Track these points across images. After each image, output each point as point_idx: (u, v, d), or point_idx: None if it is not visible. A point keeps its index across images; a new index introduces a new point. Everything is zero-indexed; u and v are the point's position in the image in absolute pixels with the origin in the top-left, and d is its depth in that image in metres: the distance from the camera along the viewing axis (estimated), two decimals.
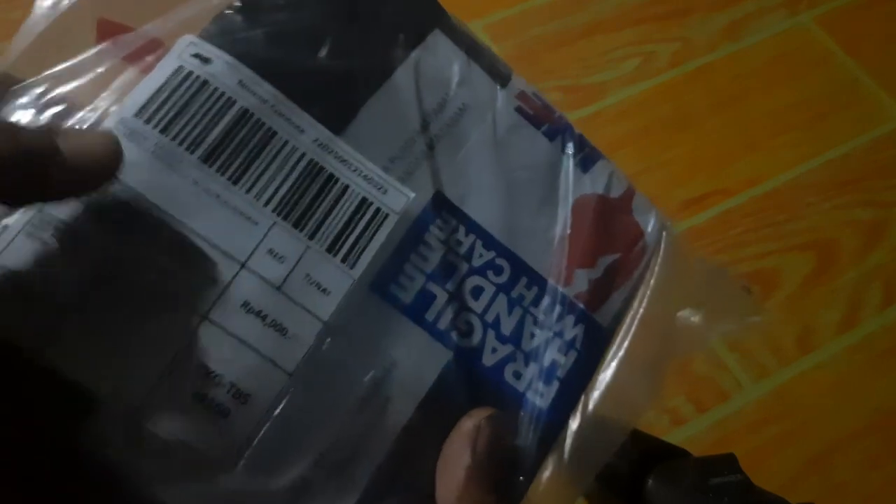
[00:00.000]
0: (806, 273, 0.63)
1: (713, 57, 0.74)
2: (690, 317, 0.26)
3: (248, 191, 0.21)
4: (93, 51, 0.22)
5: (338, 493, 0.21)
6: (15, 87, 0.22)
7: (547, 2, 0.77)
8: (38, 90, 0.22)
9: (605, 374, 0.25)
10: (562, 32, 0.75)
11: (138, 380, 0.19)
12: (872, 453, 0.55)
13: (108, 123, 0.21)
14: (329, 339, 0.21)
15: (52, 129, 0.20)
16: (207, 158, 0.21)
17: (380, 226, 0.22)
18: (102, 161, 0.19)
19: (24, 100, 0.22)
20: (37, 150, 0.18)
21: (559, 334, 0.25)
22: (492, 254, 0.24)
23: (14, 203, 0.19)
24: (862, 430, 0.56)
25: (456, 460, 0.22)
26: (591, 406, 0.25)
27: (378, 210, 0.23)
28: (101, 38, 0.23)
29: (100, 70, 0.22)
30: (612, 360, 0.25)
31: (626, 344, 0.26)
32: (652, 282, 0.27)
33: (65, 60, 0.22)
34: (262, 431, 0.20)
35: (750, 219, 0.65)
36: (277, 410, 0.20)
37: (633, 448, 0.45)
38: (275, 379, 0.20)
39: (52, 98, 0.22)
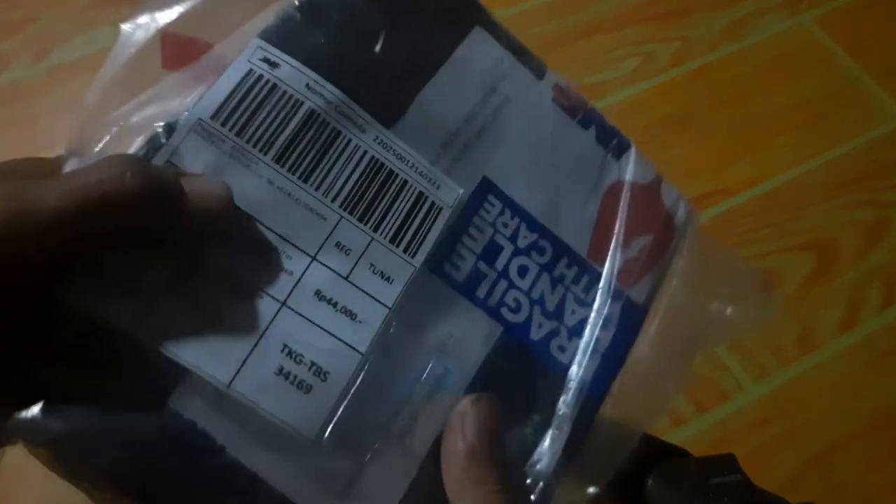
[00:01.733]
0: (806, 273, 0.63)
1: (713, 57, 0.74)
2: (718, 306, 0.28)
3: (317, 188, 0.23)
4: (173, 76, 0.23)
5: (401, 461, 0.22)
6: (109, 114, 0.22)
7: (547, 2, 0.77)
8: (133, 117, 0.22)
9: (638, 357, 0.27)
10: (562, 32, 0.75)
11: (226, 357, 0.20)
12: (873, 453, 0.55)
13: (187, 123, 0.22)
14: (395, 322, 0.23)
15: (177, 170, 0.21)
16: (279, 159, 0.22)
17: (436, 218, 0.24)
18: (218, 207, 0.21)
19: (117, 128, 0.22)
20: (167, 186, 0.19)
21: (599, 311, 0.26)
22: (535, 235, 0.26)
23: (143, 238, 0.20)
24: (862, 429, 0.56)
25: (451, 450, 0.22)
26: (622, 390, 0.26)
27: (433, 204, 0.24)
28: (165, 51, 0.23)
29: (178, 90, 0.23)
30: (645, 343, 0.27)
31: (657, 327, 0.27)
32: (681, 264, 0.29)
33: (145, 87, 0.23)
34: (344, 405, 0.22)
35: (750, 219, 0.65)
36: (355, 387, 0.22)
37: (632, 448, 0.45)
38: (350, 359, 0.22)
39: (143, 123, 0.22)
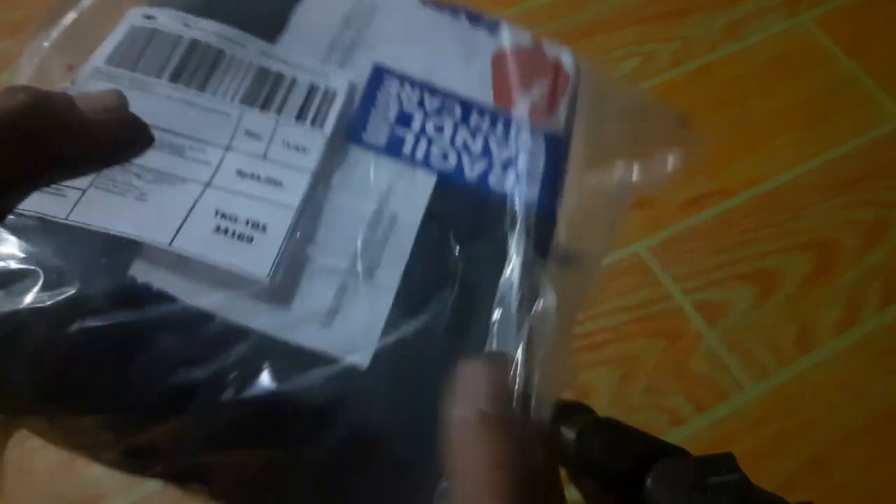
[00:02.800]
0: (805, 273, 0.63)
1: (713, 57, 0.74)
2: (631, 146, 0.30)
3: (215, 94, 0.26)
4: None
5: (374, 296, 0.24)
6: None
7: (547, 2, 0.77)
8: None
9: (567, 204, 0.28)
10: (562, 32, 0.75)
11: (163, 225, 0.23)
12: (871, 453, 0.55)
13: (85, 74, 0.25)
14: (322, 184, 0.26)
15: (62, 90, 0.24)
16: (174, 77, 0.26)
17: (332, 100, 0.27)
18: (114, 103, 0.24)
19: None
20: (58, 96, 0.22)
21: (524, 146, 0.29)
22: (439, 98, 0.29)
23: (39, 155, 0.22)
24: (861, 429, 0.56)
25: (459, 417, 0.21)
26: (560, 242, 0.28)
27: (326, 89, 0.27)
28: None
29: None
30: (574, 180, 0.29)
31: (581, 164, 0.29)
32: (585, 104, 0.31)
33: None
34: (288, 247, 0.24)
35: (750, 219, 0.65)
36: (298, 234, 0.24)
37: (632, 448, 0.45)
38: (285, 212, 0.24)
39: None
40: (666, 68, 0.73)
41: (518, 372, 0.23)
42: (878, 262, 0.63)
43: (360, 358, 0.24)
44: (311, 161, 0.26)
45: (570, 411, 0.51)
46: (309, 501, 0.25)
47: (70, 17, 0.27)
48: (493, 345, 0.25)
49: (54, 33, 0.27)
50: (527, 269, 0.26)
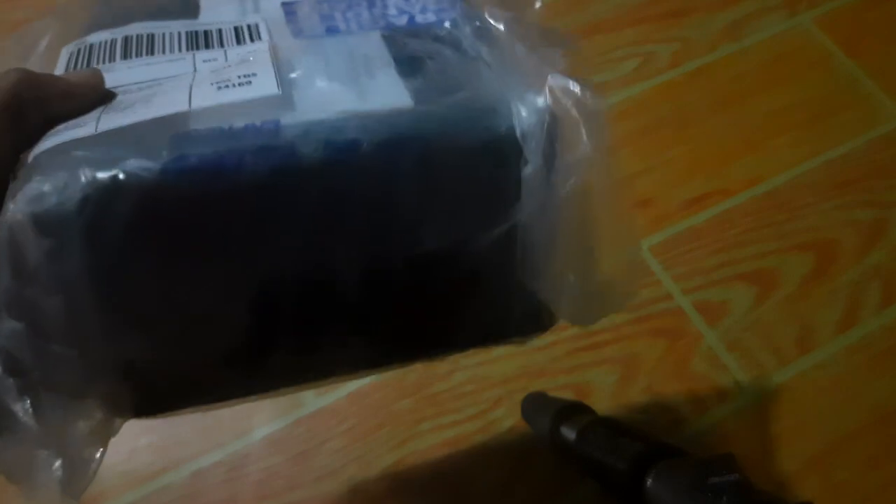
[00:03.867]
0: (805, 273, 0.63)
1: (713, 57, 0.74)
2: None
3: (163, 52, 0.30)
4: None
5: (385, 80, 0.28)
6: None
7: (546, 2, 0.77)
8: None
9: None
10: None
11: (178, 101, 0.26)
12: (872, 453, 0.55)
13: None
14: (286, 60, 0.28)
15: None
16: (125, 56, 0.30)
17: (258, 26, 0.31)
18: (92, 76, 0.28)
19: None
20: (44, 75, 0.27)
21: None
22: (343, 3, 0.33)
23: (36, 118, 0.26)
24: (861, 429, 0.56)
25: None
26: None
27: (249, 25, 0.31)
28: None
29: None
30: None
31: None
32: None
33: None
34: (282, 70, 0.28)
35: (750, 219, 0.65)
36: (280, 63, 0.28)
37: (632, 448, 0.45)
38: (263, 58, 0.29)
39: None
40: (665, 69, 0.73)
41: None
42: (878, 262, 0.63)
43: (403, 100, 0.26)
44: (265, 46, 0.29)
45: (570, 411, 0.52)
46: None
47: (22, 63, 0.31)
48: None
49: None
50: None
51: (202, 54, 0.30)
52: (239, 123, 0.24)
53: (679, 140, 0.69)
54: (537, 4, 0.34)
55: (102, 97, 0.27)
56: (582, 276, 0.28)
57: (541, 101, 0.26)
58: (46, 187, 0.22)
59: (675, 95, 0.72)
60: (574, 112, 0.26)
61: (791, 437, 0.56)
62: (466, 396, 0.57)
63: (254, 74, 0.27)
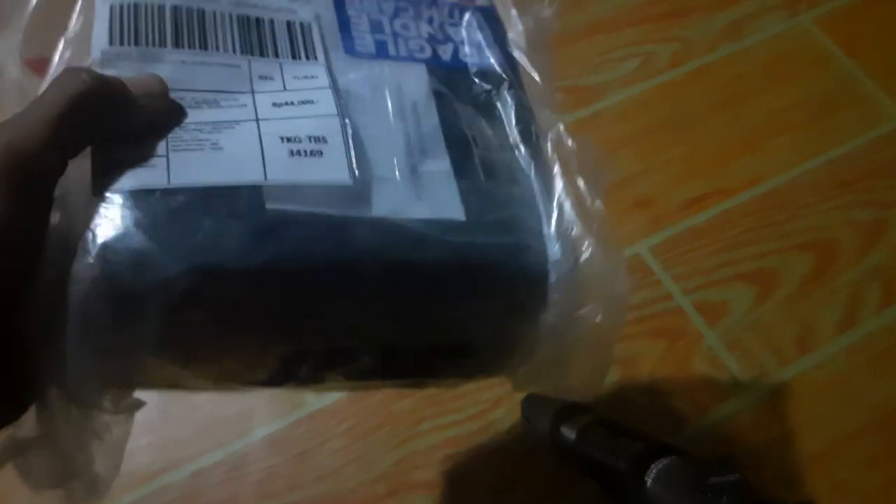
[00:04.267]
0: (805, 273, 0.63)
1: (713, 57, 0.74)
2: None
3: (217, 49, 0.29)
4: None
5: (436, 166, 0.30)
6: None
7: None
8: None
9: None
10: (561, 33, 0.75)
11: (247, 166, 0.26)
12: (872, 453, 0.55)
13: (95, 60, 0.27)
14: (341, 92, 0.30)
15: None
16: (176, 44, 0.28)
17: (311, 31, 0.31)
18: (157, 86, 0.26)
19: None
20: (113, 79, 0.24)
21: (468, 24, 0.35)
22: (391, 3, 0.34)
23: (93, 129, 0.24)
24: (861, 429, 0.56)
25: None
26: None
27: (301, 24, 0.31)
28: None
29: None
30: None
31: None
32: None
33: None
34: (350, 148, 0.28)
35: (750, 219, 0.65)
36: (350, 134, 0.28)
37: (632, 448, 0.45)
38: (332, 120, 0.28)
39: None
40: (665, 69, 0.73)
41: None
42: (878, 262, 0.63)
43: (456, 213, 0.29)
44: (324, 80, 0.30)
45: (570, 411, 0.52)
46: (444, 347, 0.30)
47: (20, 14, 0.29)
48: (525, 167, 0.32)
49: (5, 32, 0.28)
50: (525, 111, 0.34)
51: (258, 65, 0.29)
52: (318, 222, 0.26)
53: (679, 140, 0.69)
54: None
55: (166, 110, 0.26)
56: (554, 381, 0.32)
57: (572, 255, 0.30)
58: (126, 258, 0.23)
59: (675, 95, 0.72)
60: (598, 268, 0.30)
61: (791, 436, 0.56)
62: (466, 396, 0.57)
63: (324, 141, 0.27)
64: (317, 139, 0.27)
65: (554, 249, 0.29)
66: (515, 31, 0.36)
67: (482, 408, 0.57)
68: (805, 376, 0.58)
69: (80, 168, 0.24)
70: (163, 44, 0.28)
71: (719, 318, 0.61)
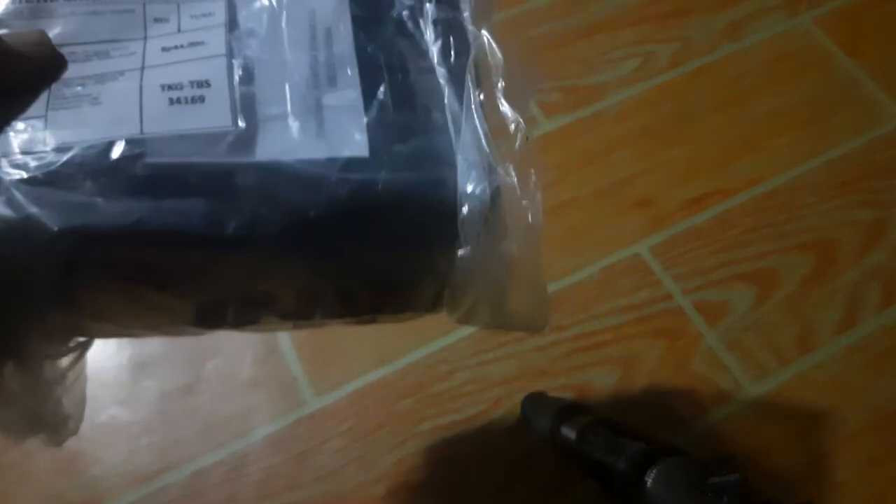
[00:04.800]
0: (805, 273, 0.63)
1: (713, 57, 0.74)
2: None
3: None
4: None
5: (345, 97, 0.28)
6: None
7: (546, 2, 0.77)
8: None
9: None
10: (561, 33, 0.75)
11: (125, 119, 0.25)
12: (872, 453, 0.55)
13: None
14: (240, 27, 0.28)
15: None
16: None
17: None
18: (39, 38, 0.26)
19: None
20: None
21: None
22: None
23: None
24: (861, 429, 0.56)
25: None
26: None
27: None
28: None
29: None
30: None
31: None
32: None
33: None
34: (238, 91, 0.26)
35: (749, 219, 0.65)
36: (238, 73, 0.27)
37: (632, 448, 0.46)
38: (217, 62, 0.27)
39: None
40: (665, 69, 0.73)
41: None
42: (877, 263, 0.63)
43: (360, 149, 0.27)
44: (220, 17, 0.28)
45: (570, 411, 0.52)
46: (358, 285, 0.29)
47: None
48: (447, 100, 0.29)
49: None
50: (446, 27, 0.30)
51: (153, 7, 0.28)
52: (198, 171, 0.25)
53: (679, 140, 0.69)
54: None
55: (47, 63, 0.26)
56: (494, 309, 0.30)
57: (486, 192, 0.28)
58: (6, 224, 0.23)
59: (675, 95, 0.72)
60: (515, 199, 0.28)
61: (791, 436, 0.56)
62: (466, 396, 0.57)
63: (206, 85, 0.26)
64: (199, 83, 0.26)
65: (466, 181, 0.27)
66: None
67: (482, 408, 0.57)
68: (805, 376, 0.58)
69: None
70: None
71: (719, 318, 0.61)
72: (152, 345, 0.59)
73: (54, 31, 0.26)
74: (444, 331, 0.59)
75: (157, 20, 0.28)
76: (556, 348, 0.59)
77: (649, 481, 0.43)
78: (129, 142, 0.25)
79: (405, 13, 0.31)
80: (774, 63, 0.73)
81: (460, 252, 0.27)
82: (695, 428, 0.56)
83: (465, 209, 0.27)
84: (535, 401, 0.55)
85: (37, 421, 0.26)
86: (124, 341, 0.59)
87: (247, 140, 0.26)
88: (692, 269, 0.63)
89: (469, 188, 0.27)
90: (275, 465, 0.55)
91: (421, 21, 0.31)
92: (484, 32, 0.30)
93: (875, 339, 0.60)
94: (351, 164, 0.26)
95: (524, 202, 0.28)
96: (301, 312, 0.29)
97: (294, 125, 0.27)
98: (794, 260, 0.63)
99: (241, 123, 0.26)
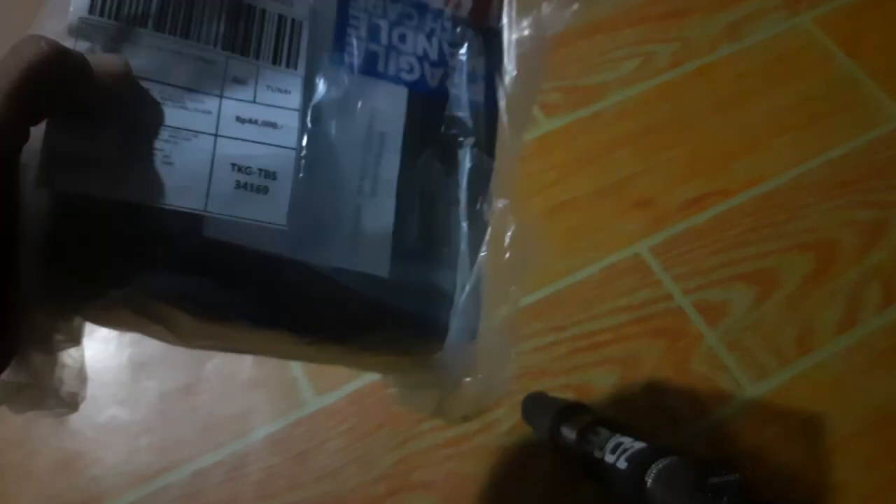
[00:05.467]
0: (805, 273, 0.63)
1: (713, 57, 0.74)
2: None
3: (199, 40, 0.27)
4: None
5: (379, 210, 0.29)
6: None
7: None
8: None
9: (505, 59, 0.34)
10: (561, 33, 0.75)
11: (194, 190, 0.26)
12: (872, 453, 0.55)
13: (71, 26, 0.25)
14: (310, 117, 0.29)
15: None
16: (157, 26, 0.26)
17: (301, 31, 0.29)
18: (120, 68, 0.25)
19: None
20: (74, 53, 0.23)
21: (469, 47, 0.33)
22: (399, 6, 0.32)
23: (51, 100, 0.23)
24: (861, 429, 0.56)
25: None
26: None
27: (293, 20, 0.29)
28: None
29: None
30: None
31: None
32: None
33: None
34: (300, 191, 0.27)
35: (749, 219, 0.65)
36: (301, 174, 0.28)
37: (633, 447, 0.46)
38: (287, 156, 0.28)
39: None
40: (665, 69, 0.73)
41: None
42: (878, 262, 0.63)
43: (382, 270, 0.29)
44: (296, 100, 0.28)
45: (570, 411, 0.52)
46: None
47: None
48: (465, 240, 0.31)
49: None
50: (485, 167, 0.32)
51: (235, 64, 0.28)
52: (249, 258, 0.27)
53: (679, 140, 0.69)
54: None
55: (125, 93, 0.26)
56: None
57: (471, 330, 0.31)
58: (64, 264, 0.24)
59: (675, 95, 0.72)
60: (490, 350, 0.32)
61: (791, 436, 0.56)
62: None
63: (273, 177, 0.27)
64: (267, 173, 0.27)
65: (457, 322, 0.30)
66: (508, 56, 0.34)
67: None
68: (805, 376, 0.58)
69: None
70: (144, 23, 0.26)
71: (719, 318, 0.61)
72: (152, 345, 0.58)
73: (135, 61, 0.26)
74: None
75: (235, 80, 0.28)
76: (556, 348, 0.59)
77: (649, 481, 0.43)
78: (190, 216, 0.26)
79: (450, 141, 0.32)
80: (774, 63, 0.73)
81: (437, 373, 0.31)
82: (695, 428, 0.56)
83: (449, 343, 0.30)
84: (535, 401, 0.55)
85: (39, 397, 0.28)
86: (125, 341, 0.59)
87: (295, 239, 0.27)
88: (692, 269, 0.63)
89: (457, 328, 0.30)
90: (275, 465, 0.55)
91: (460, 155, 0.32)
92: (507, 200, 0.32)
93: (875, 339, 0.60)
94: (371, 281, 0.29)
95: (500, 359, 0.32)
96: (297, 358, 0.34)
97: (335, 232, 0.29)
98: (794, 260, 0.63)
99: (294, 223, 0.27)
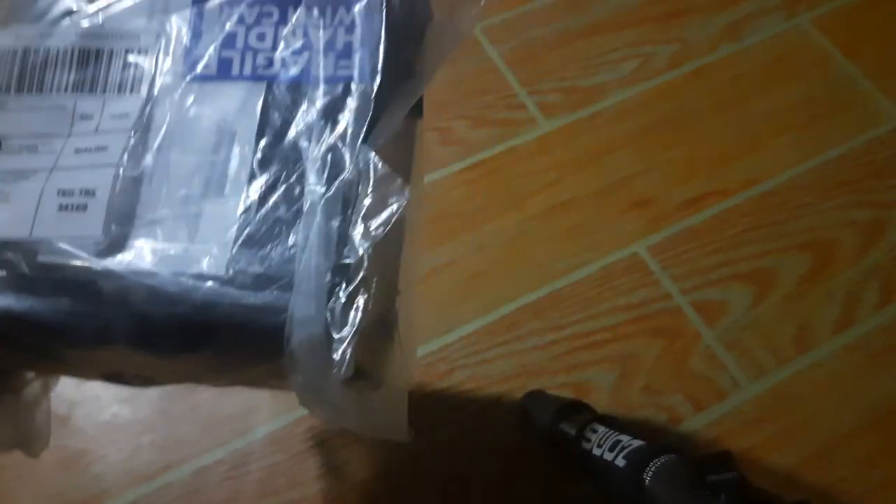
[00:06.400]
0: (803, 273, 0.63)
1: (712, 58, 0.74)
2: None
3: (51, 90, 0.30)
4: None
5: (224, 208, 0.29)
6: None
7: (546, 4, 0.77)
8: None
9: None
10: (560, 34, 0.75)
11: (20, 220, 0.28)
12: (869, 451, 0.56)
13: None
14: (138, 133, 0.30)
15: None
16: (18, 89, 0.30)
17: (146, 58, 0.31)
18: None
19: None
20: None
21: (347, 23, 0.31)
22: (257, 7, 0.32)
23: None
24: (859, 428, 0.56)
25: None
26: None
27: (139, 50, 0.31)
28: None
29: None
30: None
31: None
32: None
33: None
34: (119, 200, 0.29)
35: (748, 219, 0.65)
36: (119, 187, 0.29)
37: (631, 446, 0.46)
38: (107, 172, 0.29)
39: None
40: (664, 70, 0.73)
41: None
42: (875, 262, 0.63)
43: (219, 268, 0.28)
44: (129, 122, 0.30)
45: (570, 410, 0.52)
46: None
47: None
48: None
49: None
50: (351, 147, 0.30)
51: (83, 103, 0.30)
52: (71, 275, 0.28)
53: (678, 140, 0.69)
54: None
55: None
56: None
57: (320, 325, 0.29)
58: None
59: (675, 96, 0.72)
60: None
61: (789, 435, 0.56)
62: (466, 395, 0.57)
63: (92, 194, 0.29)
64: (87, 192, 0.29)
65: (305, 310, 0.29)
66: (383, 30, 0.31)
67: (481, 406, 0.57)
68: (803, 375, 0.59)
69: None
70: (7, 90, 0.30)
71: (718, 317, 0.61)
72: None
73: (3, 122, 0.29)
74: (444, 329, 0.60)
75: (83, 117, 0.30)
76: (555, 347, 0.59)
77: (648, 479, 0.43)
78: (17, 244, 0.28)
79: (305, 128, 0.30)
80: (773, 63, 0.74)
81: (291, 377, 0.30)
82: (693, 426, 0.56)
83: (295, 338, 0.28)
84: (535, 399, 0.55)
85: (13, 436, 0.30)
86: None
87: (113, 249, 0.28)
88: (691, 269, 0.63)
89: (301, 317, 0.28)
90: (276, 463, 0.55)
91: (313, 139, 0.30)
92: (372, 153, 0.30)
93: (873, 339, 0.60)
94: (202, 278, 0.28)
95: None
96: (180, 381, 0.33)
97: (162, 236, 0.29)
98: (792, 260, 0.64)
99: (113, 232, 0.28)
